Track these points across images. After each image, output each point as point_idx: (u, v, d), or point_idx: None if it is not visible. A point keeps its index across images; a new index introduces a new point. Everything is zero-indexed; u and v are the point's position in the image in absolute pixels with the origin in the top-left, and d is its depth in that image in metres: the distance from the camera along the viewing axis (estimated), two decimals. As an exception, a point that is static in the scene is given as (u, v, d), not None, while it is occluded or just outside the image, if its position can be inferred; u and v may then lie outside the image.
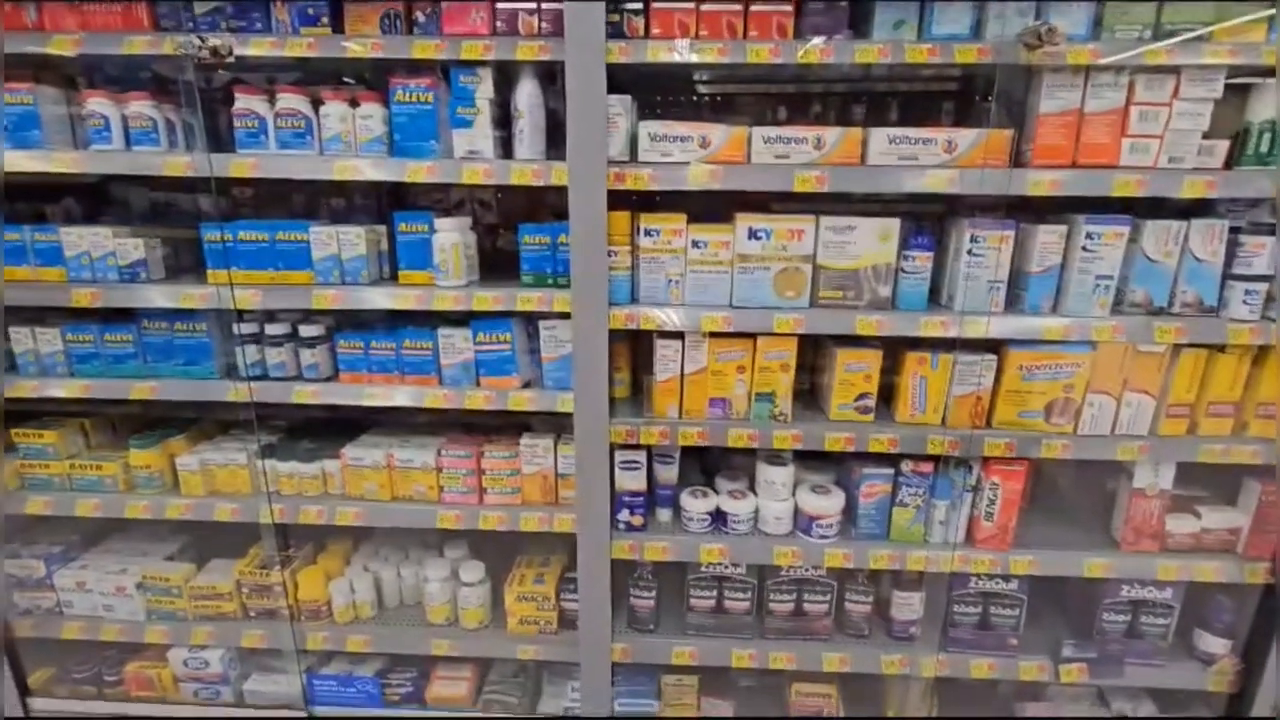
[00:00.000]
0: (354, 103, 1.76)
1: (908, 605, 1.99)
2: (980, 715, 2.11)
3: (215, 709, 2.19)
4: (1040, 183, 1.63)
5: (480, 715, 2.15)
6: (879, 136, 1.65)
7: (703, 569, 1.99)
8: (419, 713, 2.16)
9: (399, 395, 1.91)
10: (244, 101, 1.74)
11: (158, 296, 1.85)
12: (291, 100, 1.74)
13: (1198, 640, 1.97)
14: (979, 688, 2.05)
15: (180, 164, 1.74)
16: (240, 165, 1.73)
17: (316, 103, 1.77)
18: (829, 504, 1.90)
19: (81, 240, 1.86)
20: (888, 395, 1.89)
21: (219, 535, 2.15)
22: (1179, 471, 1.85)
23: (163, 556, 2.23)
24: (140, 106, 1.77)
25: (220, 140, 1.83)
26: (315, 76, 1.89)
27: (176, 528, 2.31)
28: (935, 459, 1.86)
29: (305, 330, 1.92)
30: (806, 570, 1.97)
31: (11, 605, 2.15)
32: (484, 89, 1.70)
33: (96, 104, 1.76)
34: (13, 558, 2.14)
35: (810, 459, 2.01)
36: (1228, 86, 1.60)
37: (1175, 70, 1.59)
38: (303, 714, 2.15)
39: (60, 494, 2.06)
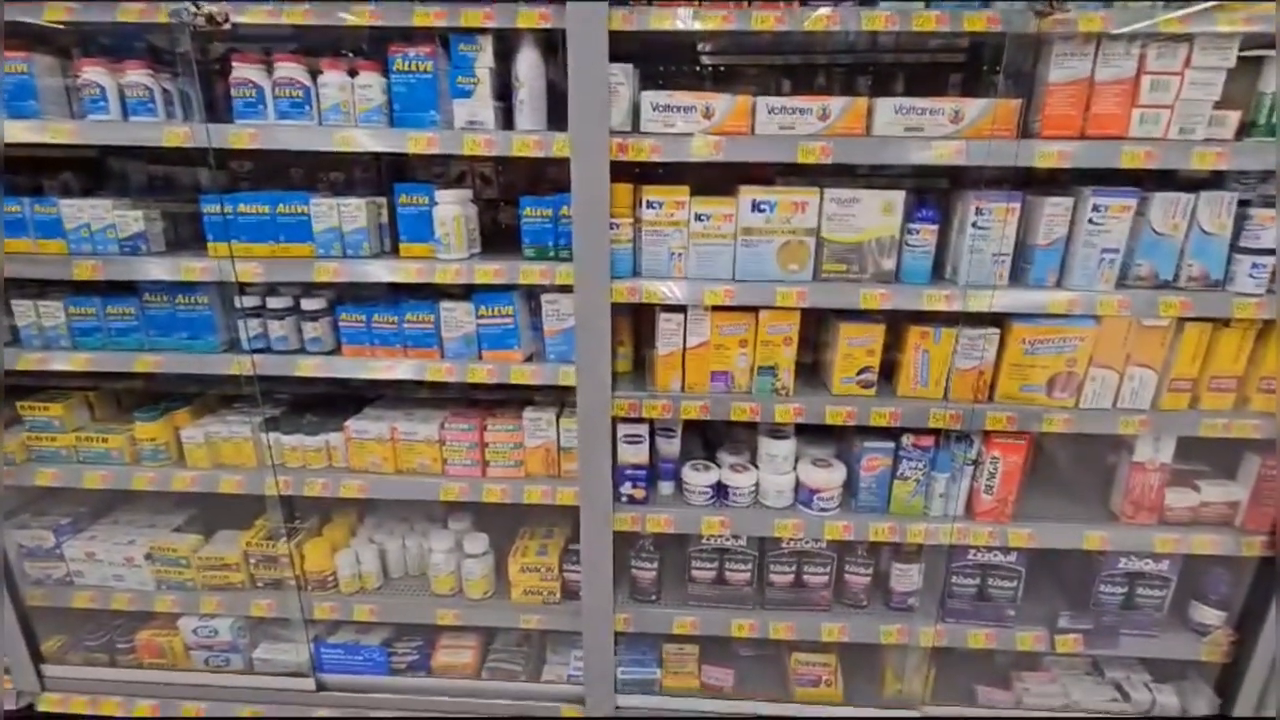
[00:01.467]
0: (353, 72, 1.73)
1: (906, 577, 2.01)
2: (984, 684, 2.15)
3: (226, 676, 2.24)
4: (1048, 154, 1.61)
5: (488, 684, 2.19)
6: (885, 107, 1.63)
7: (704, 541, 2.02)
8: (425, 681, 2.20)
9: (401, 369, 1.91)
10: (241, 70, 1.72)
11: (158, 269, 1.85)
12: (289, 69, 1.72)
13: (1193, 611, 1.99)
14: (976, 657, 2.08)
15: (179, 134, 1.72)
16: (239, 136, 1.71)
17: (315, 73, 1.74)
18: (830, 477, 1.91)
19: (81, 213, 1.85)
20: (889, 370, 1.89)
21: (225, 507, 2.17)
22: (1179, 445, 1.85)
23: (170, 528, 2.26)
24: (137, 76, 1.74)
25: (218, 112, 1.81)
26: (313, 47, 1.86)
27: (183, 500, 2.33)
28: (936, 433, 1.86)
29: (307, 304, 1.92)
30: (807, 542, 1.99)
31: (23, 575, 2.18)
32: (484, 58, 1.68)
33: (93, 73, 1.73)
34: (22, 528, 2.16)
35: (811, 433, 2.01)
36: (1241, 55, 1.57)
37: (1188, 38, 1.56)
38: (311, 681, 2.19)
39: (67, 466, 2.08)
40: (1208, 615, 1.97)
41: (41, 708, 2.23)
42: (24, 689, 2.23)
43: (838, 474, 1.92)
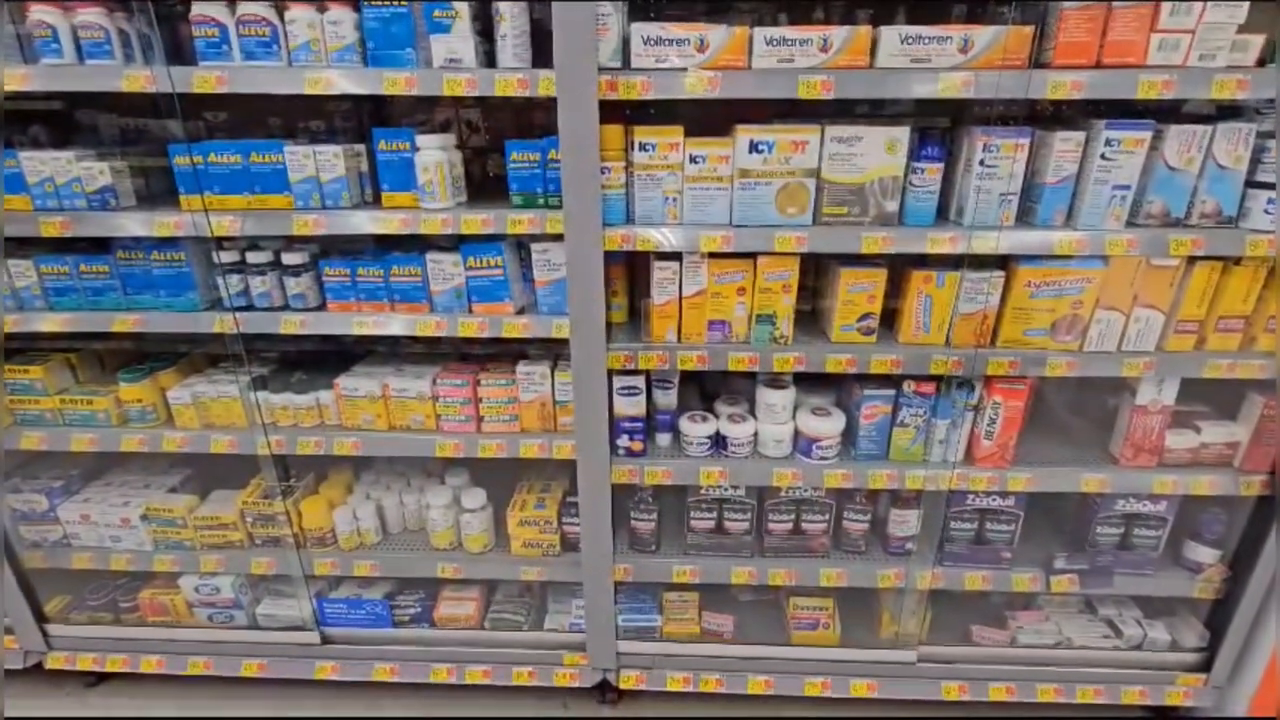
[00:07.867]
0: (322, 8, 1.62)
1: (904, 522, 2.02)
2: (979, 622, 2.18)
3: (231, 632, 2.26)
4: (1061, 84, 1.52)
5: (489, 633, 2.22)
6: (889, 35, 1.53)
7: (703, 491, 2.01)
8: (428, 632, 2.23)
9: (389, 324, 1.86)
10: (201, 7, 1.60)
11: (130, 224, 1.77)
12: (254, 6, 1.60)
13: (1187, 550, 2.01)
14: (971, 597, 2.11)
15: (139, 78, 1.62)
16: (204, 79, 1.61)
17: (281, 10, 1.63)
18: (829, 426, 1.89)
19: (43, 165, 1.76)
20: (890, 316, 1.85)
21: (220, 467, 2.15)
22: (1181, 387, 1.83)
23: (165, 489, 2.24)
24: (90, 15, 1.63)
25: (184, 56, 1.70)
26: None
27: (176, 460, 2.32)
28: (937, 379, 1.84)
29: (289, 258, 1.85)
30: (806, 491, 1.99)
31: (19, 538, 2.17)
32: (462, -10, 1.57)
33: (42, 12, 1.62)
34: (14, 493, 2.14)
35: (811, 381, 1.98)
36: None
37: (1214, -46, 1.46)
38: (316, 635, 2.21)
39: (53, 429, 2.04)
40: (1202, 554, 1.99)
41: (49, 666, 2.25)
42: (30, 648, 2.25)
43: (837, 422, 1.90)
